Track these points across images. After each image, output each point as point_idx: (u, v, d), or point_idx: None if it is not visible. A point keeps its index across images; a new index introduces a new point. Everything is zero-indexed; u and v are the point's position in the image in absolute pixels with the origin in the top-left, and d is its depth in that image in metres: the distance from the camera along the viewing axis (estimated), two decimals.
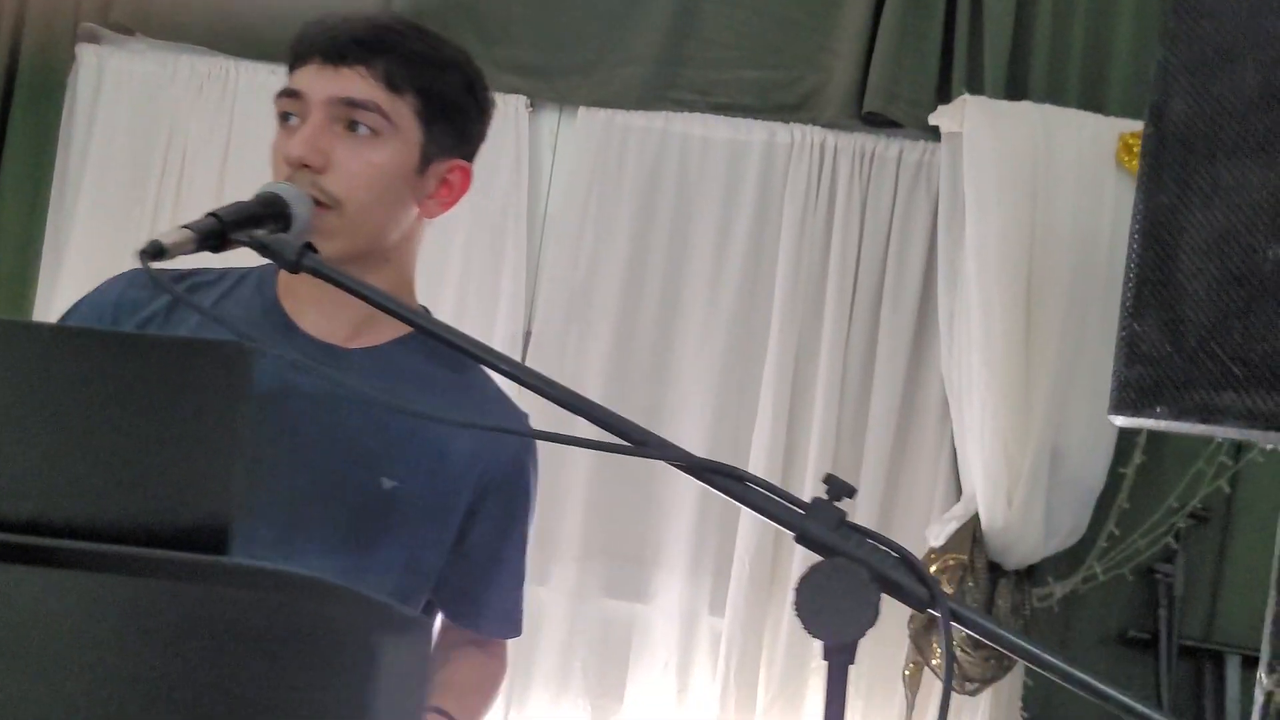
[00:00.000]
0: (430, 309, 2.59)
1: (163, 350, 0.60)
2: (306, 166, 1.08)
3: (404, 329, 1.17)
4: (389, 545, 1.15)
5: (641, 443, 0.87)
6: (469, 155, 1.22)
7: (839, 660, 0.77)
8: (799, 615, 0.77)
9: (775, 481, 2.47)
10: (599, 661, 2.69)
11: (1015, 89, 2.53)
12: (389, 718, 0.52)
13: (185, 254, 0.90)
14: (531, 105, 2.79)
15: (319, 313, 1.17)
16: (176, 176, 2.82)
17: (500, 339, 2.73)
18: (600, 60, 2.77)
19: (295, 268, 0.92)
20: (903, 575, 0.78)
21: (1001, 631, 0.81)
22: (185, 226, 0.90)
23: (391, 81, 1.11)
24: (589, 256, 2.74)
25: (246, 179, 2.76)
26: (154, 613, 0.49)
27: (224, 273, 1.20)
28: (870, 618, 0.75)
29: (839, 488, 0.81)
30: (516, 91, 2.77)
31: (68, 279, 2.79)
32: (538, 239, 2.81)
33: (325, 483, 1.13)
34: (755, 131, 2.70)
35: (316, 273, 0.93)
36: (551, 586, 2.66)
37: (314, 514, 1.13)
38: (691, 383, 2.69)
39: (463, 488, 1.19)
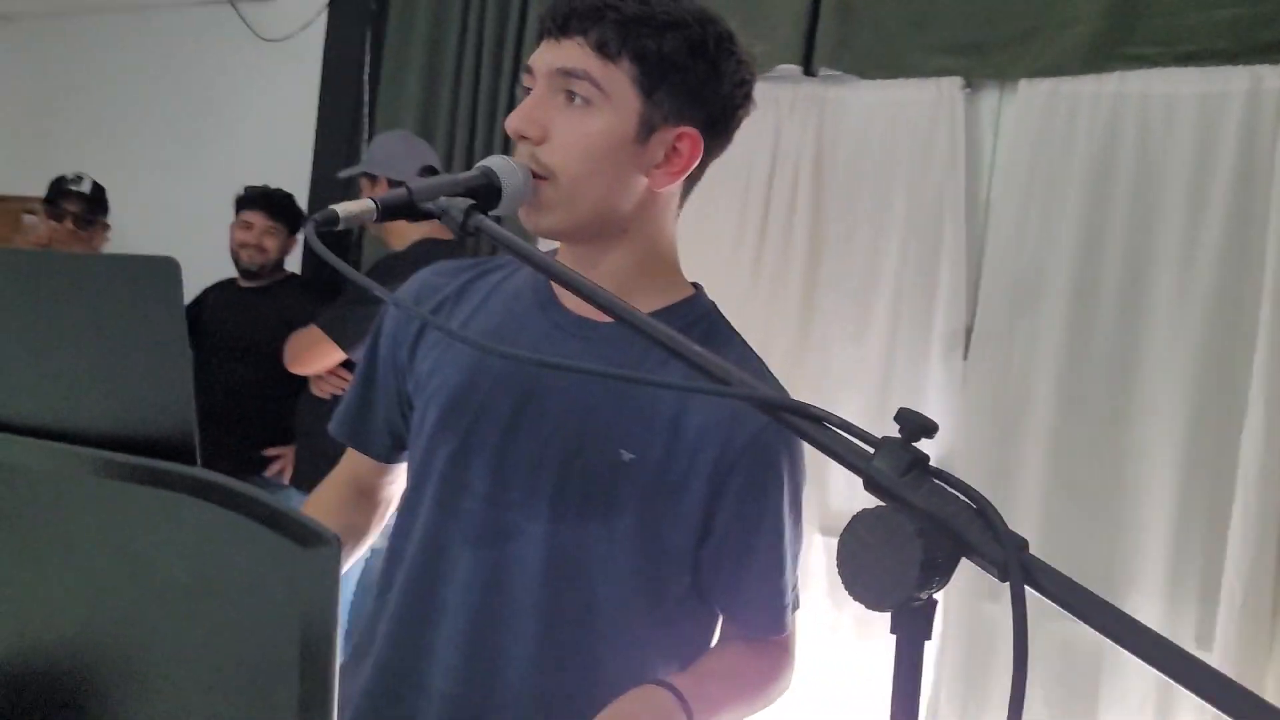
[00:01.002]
0: (865, 306, 2.60)
1: (96, 266, 0.61)
2: (526, 139, 1.07)
3: (664, 301, 1.16)
4: (627, 516, 1.12)
5: (723, 381, 0.78)
6: (704, 122, 1.12)
7: (904, 631, 0.65)
8: (840, 573, 0.66)
9: (1270, 521, 2.12)
10: (1064, 692, 2.43)
11: None
12: None
13: (366, 222, 0.91)
14: (968, 85, 2.60)
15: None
16: None
17: (939, 335, 2.57)
18: (1041, 25, 2.51)
19: (462, 229, 0.92)
20: (976, 532, 0.64)
21: (1094, 606, 0.62)
22: (373, 199, 0.92)
23: (604, 48, 1.06)
24: (1036, 242, 2.49)
25: (696, 192, 2.87)
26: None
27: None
28: (913, 578, 0.63)
29: (915, 425, 0.68)
30: (949, 73, 2.60)
31: None
32: (980, 227, 2.60)
33: (567, 451, 1.12)
34: (1234, 80, 2.29)
35: (482, 232, 0.91)
36: (1003, 606, 2.45)
37: (555, 481, 1.12)
38: (1162, 380, 2.34)
39: (699, 463, 1.12)
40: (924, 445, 0.70)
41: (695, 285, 1.22)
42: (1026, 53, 2.53)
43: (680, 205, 1.19)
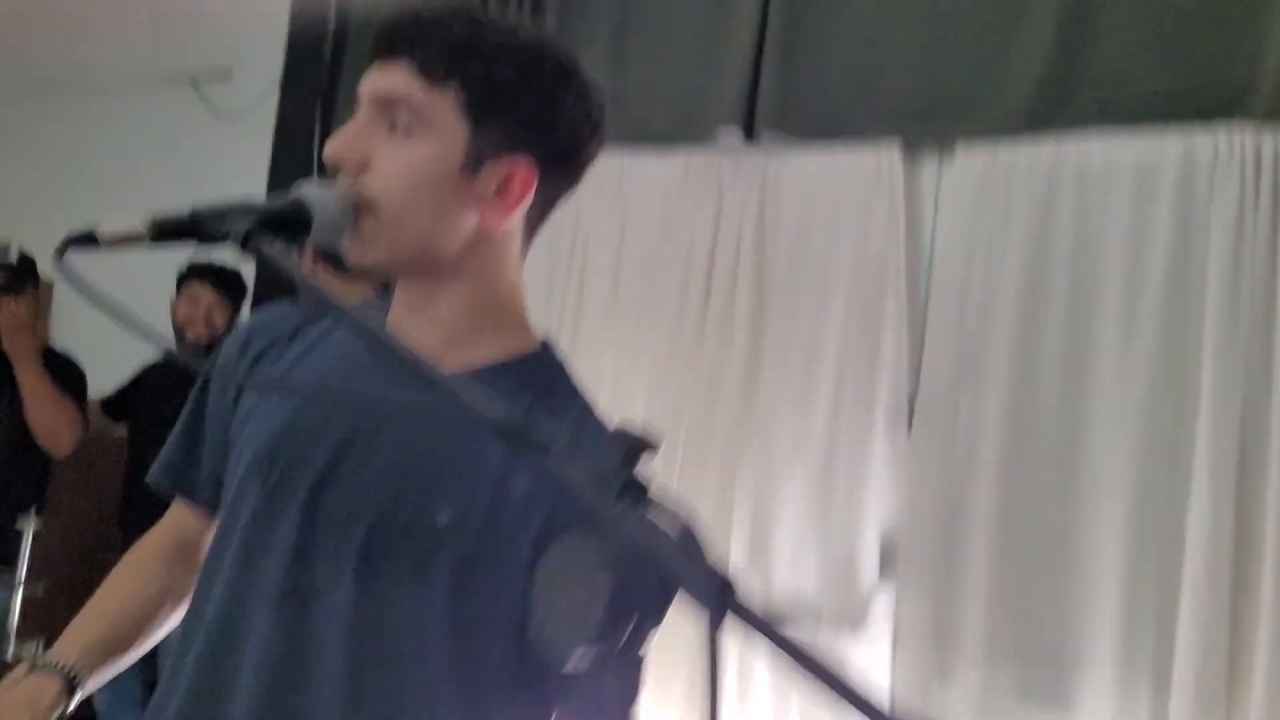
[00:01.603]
0: (808, 377, 2.54)
1: None
2: (345, 167, 1.01)
3: (502, 352, 1.08)
4: (439, 585, 1.03)
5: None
6: (543, 156, 1.05)
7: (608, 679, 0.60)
8: (534, 611, 0.60)
9: (1222, 595, 2.04)
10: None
11: None
12: None
13: (134, 247, 0.85)
14: (908, 149, 2.57)
15: (411, 331, 1.09)
16: (580, 268, 2.94)
17: (883, 408, 2.51)
18: (979, 87, 2.49)
19: (243, 249, 0.86)
20: (684, 565, 0.56)
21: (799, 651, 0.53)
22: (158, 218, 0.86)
23: (428, 72, 1.00)
24: (977, 312, 2.44)
25: (640, 262, 2.84)
26: None
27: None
28: (597, 614, 0.56)
29: (633, 443, 0.62)
30: (891, 135, 2.57)
31: None
32: (922, 297, 2.55)
33: (380, 509, 1.04)
34: (1169, 146, 2.25)
35: (260, 256, 0.86)
36: (955, 691, 2.36)
37: (363, 541, 1.04)
38: (1107, 451, 2.27)
39: (524, 531, 1.03)
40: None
41: (546, 338, 1.14)
42: (965, 115, 2.51)
43: (525, 246, 1.11)
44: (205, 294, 3.18)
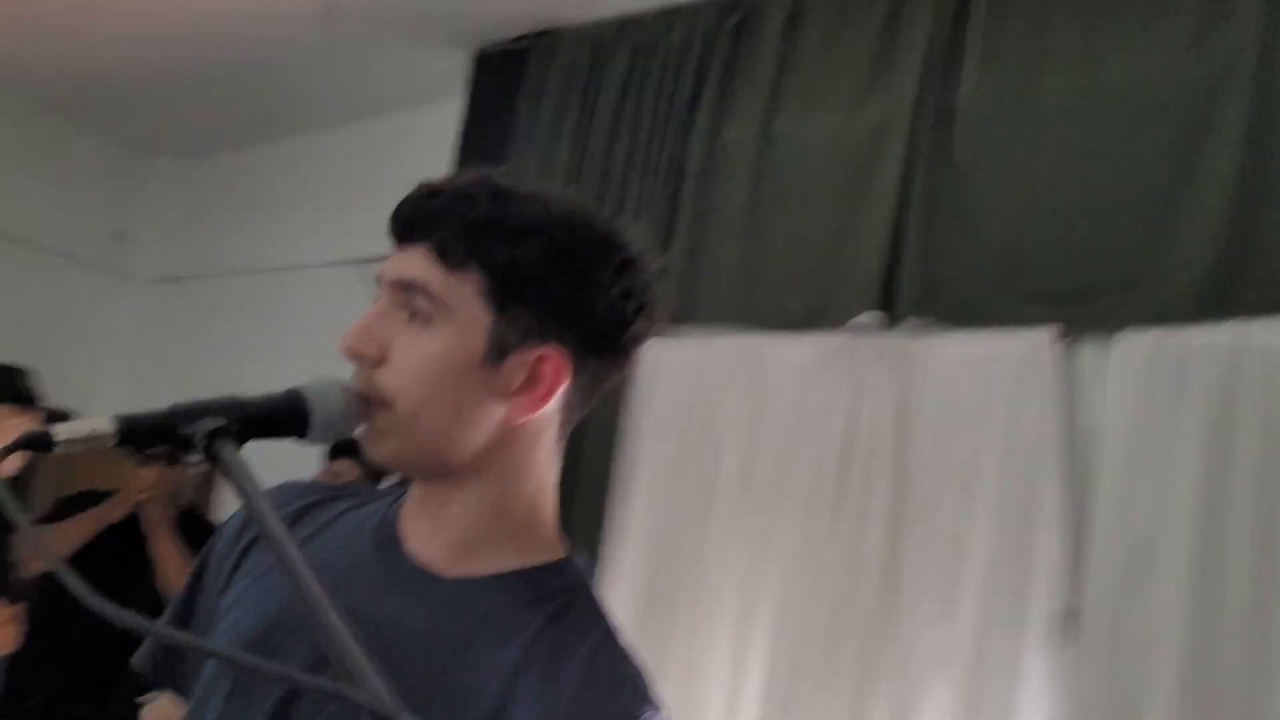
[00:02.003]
0: (953, 581, 2.28)
1: None
2: (362, 359, 0.93)
3: (520, 561, 0.96)
4: None
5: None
6: (576, 342, 0.95)
7: None
8: None
9: None
10: None
11: None
12: None
13: (100, 447, 0.79)
14: (1065, 335, 2.36)
15: (421, 531, 0.99)
16: (715, 456, 2.80)
17: (1037, 616, 2.22)
18: (1144, 270, 2.28)
19: (205, 454, 0.80)
20: None
21: None
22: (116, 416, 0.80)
23: (447, 256, 0.92)
24: (1148, 512, 2.16)
25: (773, 452, 2.68)
26: None
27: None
28: None
29: None
30: (1045, 322, 2.38)
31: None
32: (1080, 494, 2.29)
33: None
34: None
35: (219, 464, 0.78)
36: None
37: None
38: None
39: None
40: None
41: (573, 551, 1.01)
42: (1129, 300, 2.30)
43: (562, 436, 1.00)
44: (350, 470, 3.18)
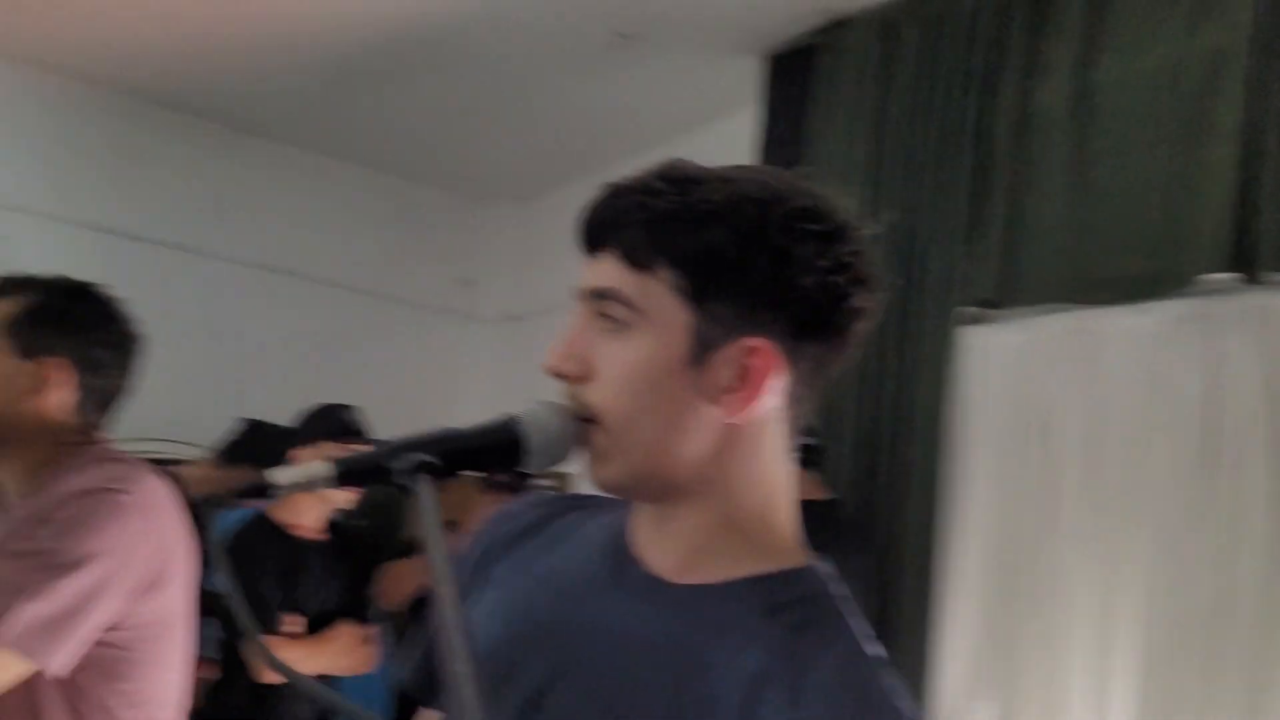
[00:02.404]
0: None
1: None
2: (564, 378, 0.89)
3: (753, 568, 0.89)
4: None
5: None
6: (787, 327, 0.86)
7: None
8: None
9: None
10: None
11: None
12: None
13: (319, 489, 0.81)
14: None
15: (651, 540, 0.94)
16: (1044, 444, 2.57)
17: None
18: None
19: (404, 490, 0.79)
20: None
21: None
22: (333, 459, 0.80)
23: (634, 258, 0.86)
24: None
25: (1119, 437, 2.42)
26: None
27: None
28: None
29: None
30: None
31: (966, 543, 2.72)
32: None
33: None
34: None
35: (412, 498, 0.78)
36: None
37: None
38: None
39: None
40: None
41: (813, 559, 0.94)
42: None
43: (790, 436, 0.93)
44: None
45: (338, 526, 3.09)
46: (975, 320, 2.88)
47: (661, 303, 0.86)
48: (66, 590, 1.39)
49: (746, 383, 0.87)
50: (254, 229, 4.50)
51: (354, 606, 3.00)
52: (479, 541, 1.08)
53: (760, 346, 0.86)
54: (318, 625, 2.89)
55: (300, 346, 4.51)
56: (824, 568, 0.94)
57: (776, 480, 0.92)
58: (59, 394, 1.57)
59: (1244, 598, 2.13)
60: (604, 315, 0.88)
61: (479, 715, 0.62)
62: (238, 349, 4.33)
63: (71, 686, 1.45)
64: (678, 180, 0.87)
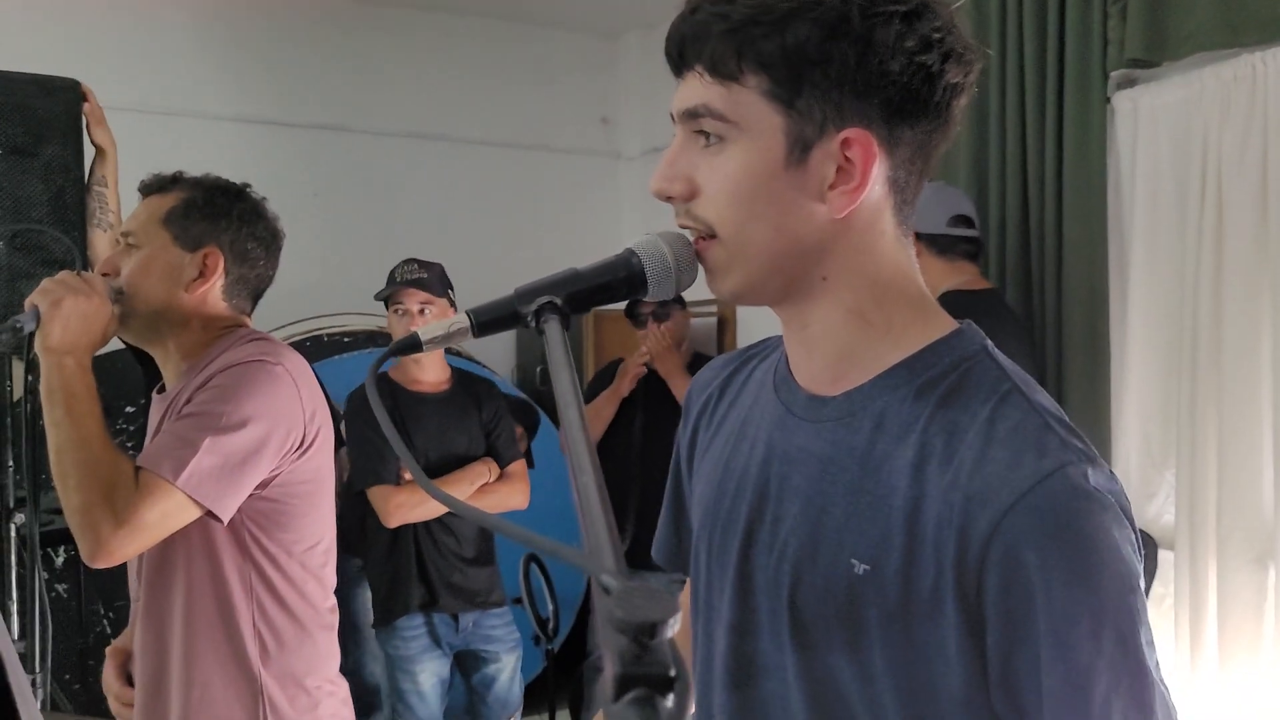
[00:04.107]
0: None
1: None
2: (672, 199, 0.91)
3: (901, 352, 0.91)
4: (875, 647, 0.86)
5: None
6: (881, 114, 0.86)
7: None
8: None
9: None
10: None
11: None
12: None
13: (461, 341, 0.86)
14: None
15: (800, 360, 0.98)
16: (1216, 199, 2.46)
17: None
18: None
19: (538, 329, 0.83)
20: None
21: None
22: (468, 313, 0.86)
23: (719, 69, 0.86)
24: None
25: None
26: None
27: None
28: None
29: None
30: None
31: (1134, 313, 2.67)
32: None
33: (799, 563, 0.91)
34: None
35: (544, 338, 0.81)
36: None
37: (792, 602, 0.92)
38: None
39: (944, 571, 0.82)
40: None
41: (961, 323, 0.94)
42: None
43: (903, 216, 0.93)
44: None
45: (462, 374, 3.24)
46: (1128, 84, 2.74)
47: (752, 110, 0.87)
48: (231, 445, 1.55)
49: (849, 175, 0.88)
50: (395, 99, 4.62)
51: (486, 452, 3.14)
52: (685, 422, 1.15)
53: (856, 137, 0.87)
54: (441, 473, 3.04)
55: (455, 209, 4.67)
56: (968, 328, 0.95)
57: (898, 264, 0.93)
58: (214, 282, 1.71)
59: None
60: (700, 133, 0.90)
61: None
62: (394, 218, 4.50)
63: (238, 532, 1.62)
64: None
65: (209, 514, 1.55)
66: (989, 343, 0.94)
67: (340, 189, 4.47)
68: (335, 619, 1.76)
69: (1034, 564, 0.80)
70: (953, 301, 2.43)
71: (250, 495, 1.60)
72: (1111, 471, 0.86)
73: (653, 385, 3.52)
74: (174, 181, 1.75)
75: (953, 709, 0.85)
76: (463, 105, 4.74)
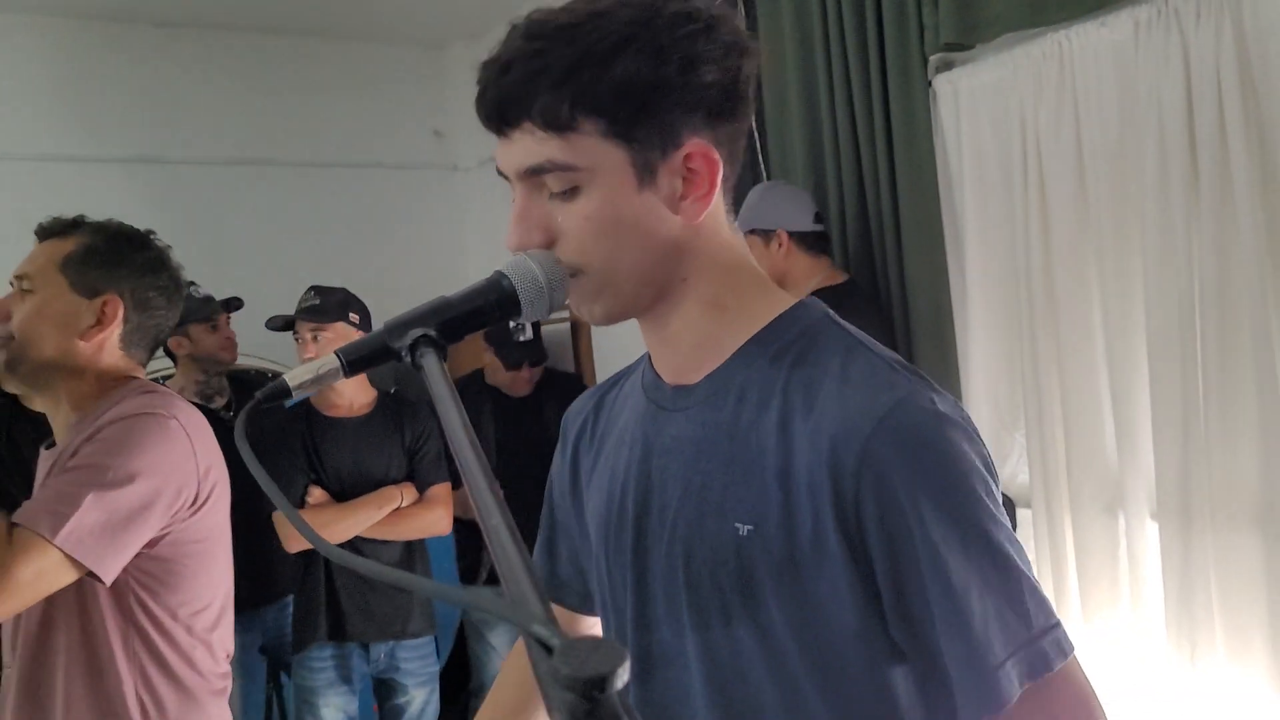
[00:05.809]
0: None
1: None
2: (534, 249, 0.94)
3: (750, 329, 0.97)
4: (770, 604, 0.91)
5: None
6: (705, 124, 0.91)
7: None
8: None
9: None
10: None
11: None
12: None
13: (331, 383, 0.84)
14: None
15: (663, 356, 1.03)
16: (1038, 173, 2.58)
17: None
18: None
19: (413, 366, 0.82)
20: None
21: None
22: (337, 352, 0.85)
23: (553, 124, 0.88)
24: None
25: (1104, 151, 2.43)
26: None
27: None
28: None
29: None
30: None
31: (973, 288, 2.78)
32: None
33: (688, 544, 0.95)
34: None
35: (421, 371, 0.81)
36: None
37: (686, 582, 0.96)
38: None
39: (822, 514, 0.88)
40: None
41: (805, 296, 1.01)
42: None
43: (729, 204, 0.99)
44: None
45: (389, 397, 3.20)
46: (945, 67, 2.85)
47: (595, 153, 0.89)
48: (116, 502, 1.47)
49: (696, 184, 0.92)
50: (212, 125, 4.44)
51: (408, 475, 3.12)
52: (563, 449, 1.18)
53: (695, 149, 0.91)
54: (355, 496, 3.01)
55: (288, 233, 4.52)
56: (811, 300, 1.01)
57: (737, 249, 0.99)
58: (111, 330, 1.63)
59: (1240, 288, 2.18)
60: (546, 188, 0.91)
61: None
62: (221, 249, 4.31)
63: (122, 594, 1.54)
64: (554, 33, 0.88)
65: (90, 574, 1.46)
66: (830, 311, 1.00)
67: (158, 222, 4.23)
68: (228, 685, 1.68)
69: (901, 484, 0.85)
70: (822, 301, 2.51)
71: (138, 554, 1.52)
72: (956, 401, 0.92)
73: (507, 408, 3.55)
74: (74, 226, 1.67)
75: (849, 643, 0.90)
76: (286, 127, 4.60)
